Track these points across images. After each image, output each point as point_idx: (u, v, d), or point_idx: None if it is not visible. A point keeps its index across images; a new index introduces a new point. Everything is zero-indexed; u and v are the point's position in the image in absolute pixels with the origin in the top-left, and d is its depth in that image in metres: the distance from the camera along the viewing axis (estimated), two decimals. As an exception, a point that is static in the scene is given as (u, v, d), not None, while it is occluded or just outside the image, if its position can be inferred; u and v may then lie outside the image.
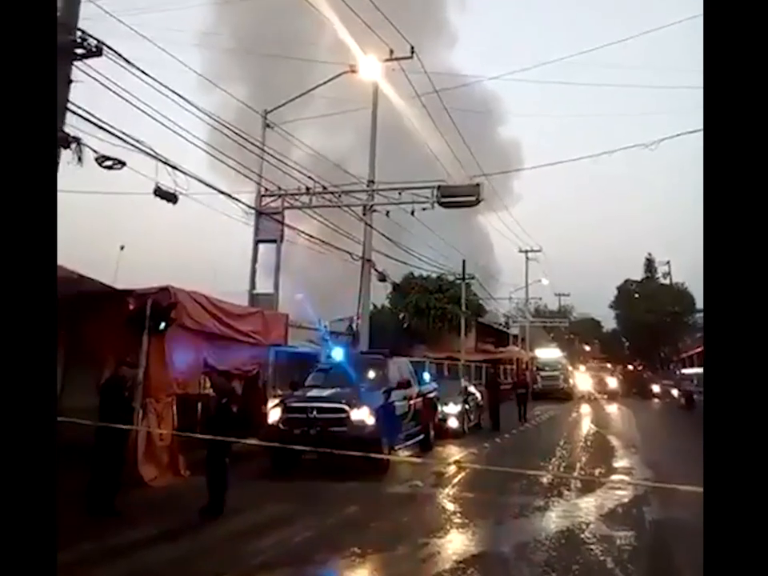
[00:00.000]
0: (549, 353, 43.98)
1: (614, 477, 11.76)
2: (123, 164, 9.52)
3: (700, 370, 27.51)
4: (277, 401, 12.68)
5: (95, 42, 8.36)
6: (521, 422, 21.88)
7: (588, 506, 9.08)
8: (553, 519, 8.36)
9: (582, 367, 50.37)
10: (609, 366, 49.63)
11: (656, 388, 41.19)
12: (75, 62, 8.43)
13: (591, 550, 6.83)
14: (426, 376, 17.60)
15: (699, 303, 56.54)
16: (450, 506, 9.16)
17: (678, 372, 36.94)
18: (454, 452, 14.87)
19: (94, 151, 9.07)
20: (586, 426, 22.63)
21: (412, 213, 16.89)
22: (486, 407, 21.04)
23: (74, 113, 8.70)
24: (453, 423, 17.55)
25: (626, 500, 9.44)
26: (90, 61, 8.60)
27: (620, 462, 13.61)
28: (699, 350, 28.87)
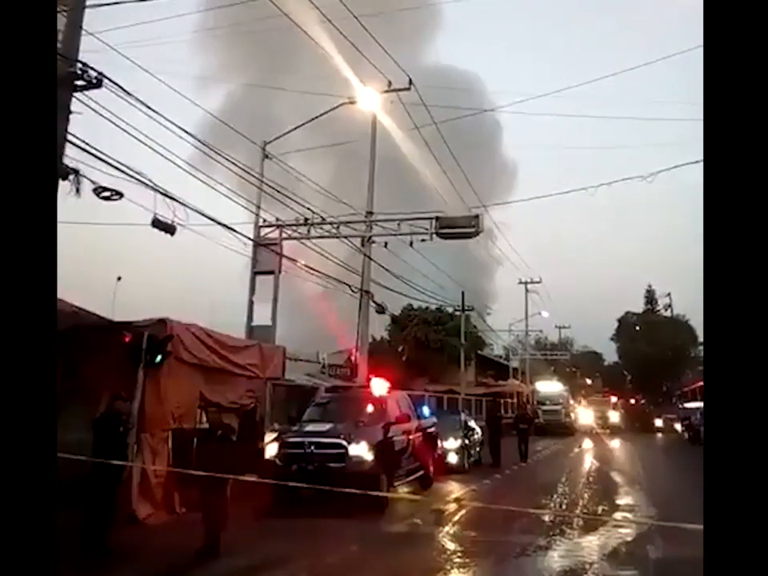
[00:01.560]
0: (550, 386, 43.55)
1: (617, 515, 11.52)
2: (121, 195, 9.51)
3: (703, 404, 27.27)
4: (274, 436, 12.49)
5: (95, 73, 8.39)
6: (522, 461, 20.56)
7: (591, 544, 8.85)
8: (555, 559, 8.14)
9: (584, 401, 49.98)
10: (612, 399, 49.29)
11: (659, 422, 40.81)
12: (75, 94, 8.45)
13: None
14: (426, 410, 17.37)
15: (701, 336, 56.42)
16: (451, 546, 8.93)
17: (680, 406, 36.65)
18: (454, 489, 14.60)
19: (92, 182, 9.06)
20: (588, 461, 22.33)
21: (411, 244, 16.86)
22: (487, 442, 20.68)
23: (73, 144, 8.71)
24: (453, 459, 17.28)
25: (629, 538, 9.22)
26: (89, 92, 8.62)
27: (623, 499, 13.35)
28: (701, 383, 28.67)
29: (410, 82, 16.80)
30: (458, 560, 8.12)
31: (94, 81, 8.39)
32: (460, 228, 16.66)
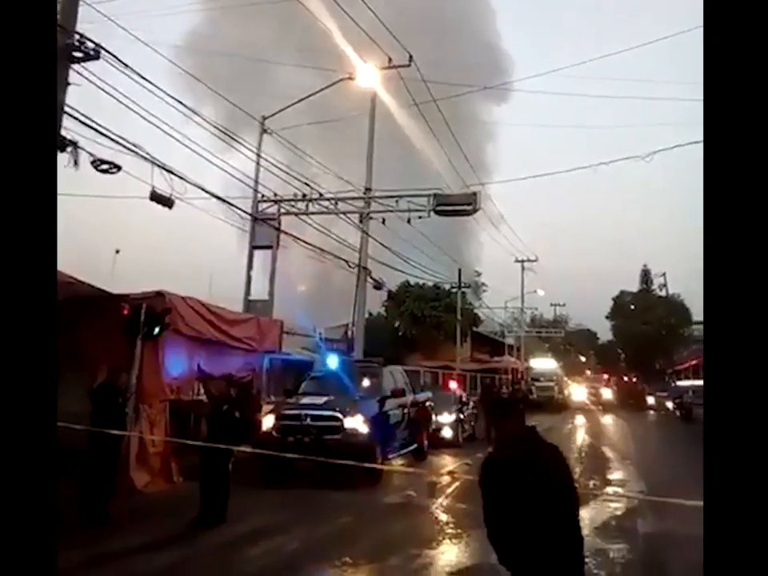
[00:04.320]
0: (544, 363, 43.87)
1: (608, 489, 11.71)
2: (119, 168, 9.50)
3: (696, 382, 27.53)
4: (270, 408, 12.62)
5: (93, 45, 8.34)
6: None
7: (581, 518, 8.99)
8: (546, 531, 8.28)
9: (578, 378, 50.39)
10: (604, 376, 49.70)
11: (651, 399, 41.18)
12: (73, 65, 8.41)
13: (585, 562, 6.74)
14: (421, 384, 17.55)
15: (695, 315, 56.80)
16: (443, 517, 9.11)
17: (673, 384, 36.98)
18: (447, 462, 14.80)
19: (90, 154, 9.06)
20: (581, 437, 22.58)
21: (408, 221, 16.87)
22: (483, 418, 20.85)
23: (71, 116, 8.68)
24: (447, 433, 17.47)
25: (619, 512, 9.39)
26: (87, 64, 8.57)
27: (614, 474, 13.55)
28: (694, 362, 28.88)
29: (410, 58, 16.65)
30: (450, 531, 8.29)
31: (92, 53, 8.35)
32: (457, 205, 16.69)
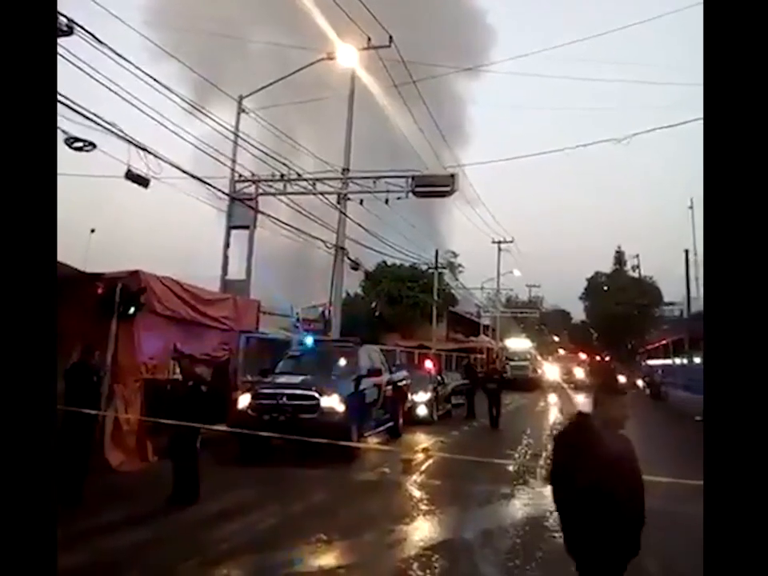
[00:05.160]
0: (518, 343, 44.37)
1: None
2: (94, 146, 9.38)
3: (666, 362, 28.17)
4: (247, 387, 12.68)
5: (66, 20, 8.20)
6: (493, 426, 17.75)
7: (552, 493, 9.20)
8: (518, 507, 8.50)
9: (551, 357, 51.01)
10: (581, 356, 50.30)
11: (621, 378, 41.85)
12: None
13: (555, 537, 6.89)
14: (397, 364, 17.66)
15: (667, 296, 57.74)
16: (417, 494, 9.27)
17: (643, 363, 37.71)
18: (422, 440, 14.98)
19: (64, 132, 8.93)
20: (554, 415, 22.95)
21: (386, 201, 16.87)
22: (465, 396, 21.22)
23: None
24: (422, 411, 17.66)
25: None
26: (60, 40, 8.40)
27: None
28: (664, 342, 29.49)
29: (390, 39, 16.54)
30: (424, 507, 8.44)
31: (65, 28, 8.21)
32: (436, 186, 16.72)
